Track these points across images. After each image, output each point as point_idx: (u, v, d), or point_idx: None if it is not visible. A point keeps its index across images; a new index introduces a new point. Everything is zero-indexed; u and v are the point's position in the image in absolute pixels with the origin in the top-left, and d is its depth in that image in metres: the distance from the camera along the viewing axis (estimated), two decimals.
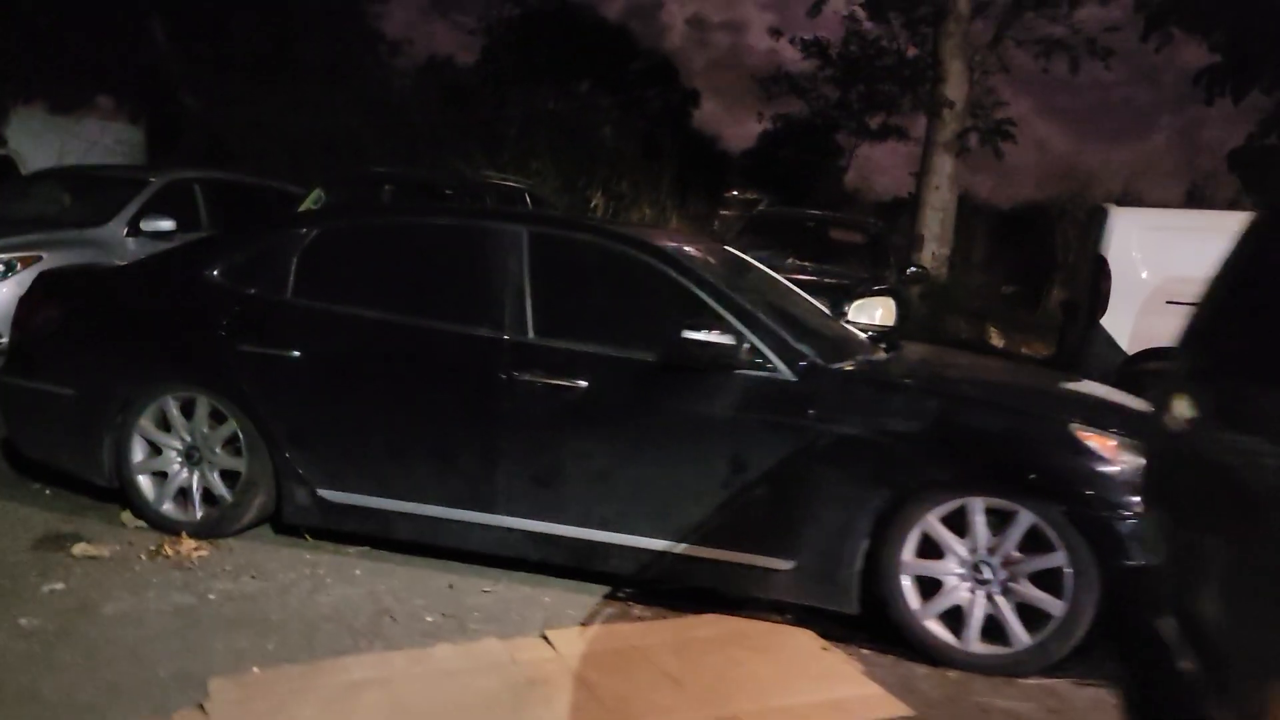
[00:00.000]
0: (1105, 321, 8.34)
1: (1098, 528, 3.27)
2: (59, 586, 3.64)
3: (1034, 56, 13.94)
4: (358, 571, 4.00)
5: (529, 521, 3.91)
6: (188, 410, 4.23)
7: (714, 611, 3.76)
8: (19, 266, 7.74)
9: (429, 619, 3.62)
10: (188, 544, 4.07)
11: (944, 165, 13.47)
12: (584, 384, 3.79)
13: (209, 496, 4.25)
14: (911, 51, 14.42)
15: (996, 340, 12.97)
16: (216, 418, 4.20)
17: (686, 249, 4.18)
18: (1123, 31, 13.90)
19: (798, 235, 9.23)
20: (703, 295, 3.83)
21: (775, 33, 17.05)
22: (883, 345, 4.38)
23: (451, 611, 3.68)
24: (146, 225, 8.80)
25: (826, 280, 7.85)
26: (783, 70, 17.80)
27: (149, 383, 4.25)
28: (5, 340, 7.51)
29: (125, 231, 8.77)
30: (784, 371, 3.65)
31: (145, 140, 17.65)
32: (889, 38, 14.64)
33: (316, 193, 9.43)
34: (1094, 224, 9.12)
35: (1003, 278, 15.95)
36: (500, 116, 15.28)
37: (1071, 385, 4.19)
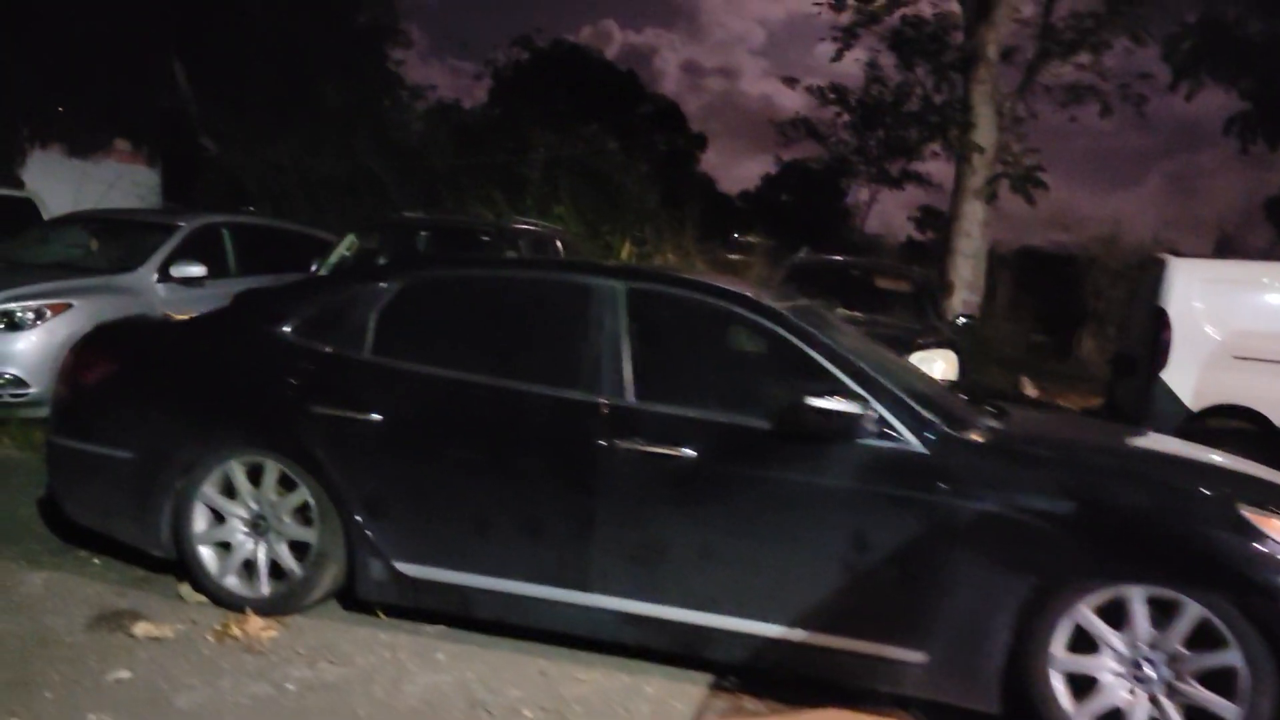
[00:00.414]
0: (1166, 376, 8.11)
1: (1277, 621, 2.98)
2: (124, 675, 3.33)
3: (1061, 105, 13.87)
4: (441, 655, 3.69)
5: (627, 602, 3.61)
6: (255, 476, 3.95)
7: (833, 706, 3.46)
8: (49, 314, 7.51)
9: (528, 714, 3.31)
10: (255, 623, 3.76)
11: (975, 212, 13.32)
12: (690, 453, 3.51)
13: (276, 570, 3.95)
14: (938, 98, 14.31)
15: (1030, 391, 12.72)
16: (286, 484, 3.92)
17: (790, 305, 3.93)
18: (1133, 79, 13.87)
19: (842, 284, 9.00)
20: (820, 358, 3.57)
21: (790, 80, 16.97)
22: (989, 409, 4.12)
23: (550, 704, 3.38)
24: (177, 271, 8.57)
25: (880, 331, 7.60)
26: (800, 115, 17.72)
27: (213, 446, 3.97)
28: (34, 391, 7.32)
29: (155, 277, 8.53)
30: (912, 442, 3.39)
31: (162, 182, 17.54)
32: (915, 84, 14.56)
33: (350, 239, 9.21)
34: (1149, 275, 8.92)
35: (1030, 326, 15.75)
36: (521, 160, 15.13)
37: (1210, 456, 3.91)
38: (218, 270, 8.94)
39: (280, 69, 14.52)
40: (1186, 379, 8.12)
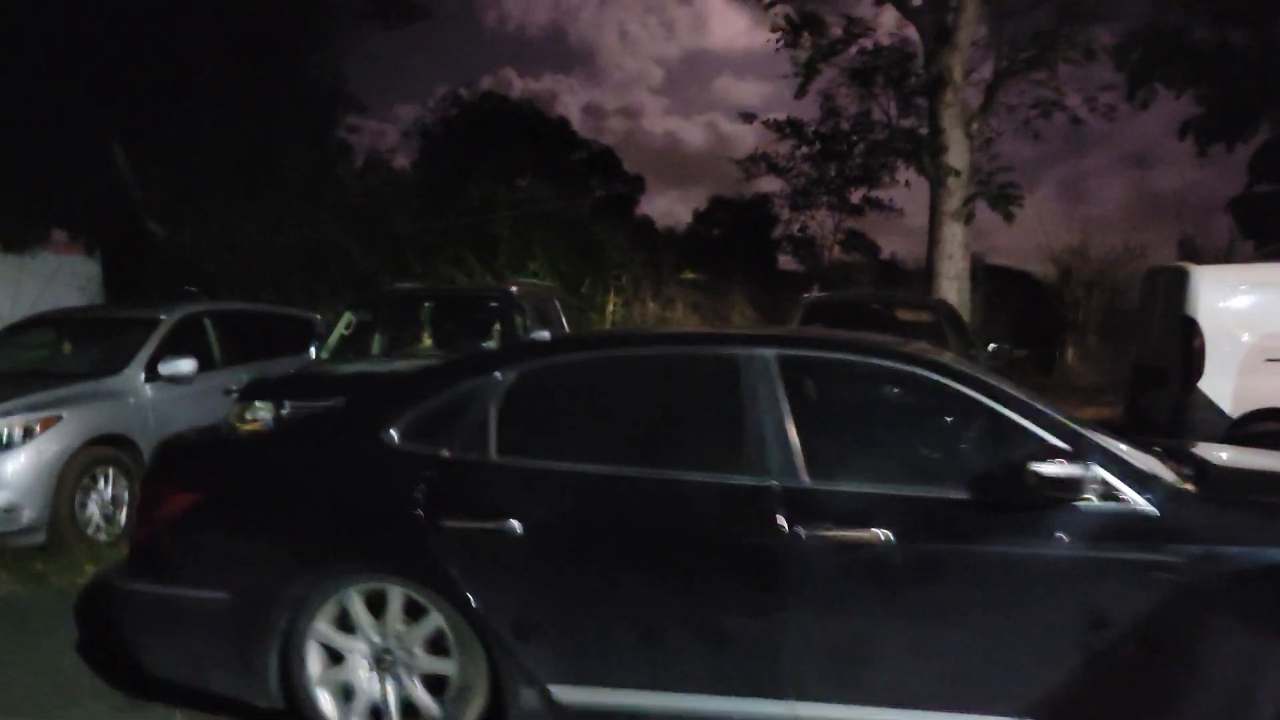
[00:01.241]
0: (1203, 385, 8.03)
1: None
2: None
3: (1024, 121, 14.03)
4: None
5: (826, 706, 3.23)
6: (376, 605, 3.48)
7: None
8: (38, 429, 6.86)
9: None
10: None
11: (954, 234, 13.32)
12: (883, 534, 3.16)
13: (410, 710, 3.47)
14: (904, 123, 14.38)
15: None
16: (413, 611, 3.46)
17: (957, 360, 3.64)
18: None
19: (863, 320, 8.79)
20: (1017, 417, 3.25)
21: (747, 116, 16.95)
22: (1158, 449, 3.85)
23: None
24: (165, 369, 7.99)
25: None
26: (760, 151, 17.72)
27: (324, 576, 3.49)
28: (28, 516, 6.64)
29: (143, 377, 7.92)
30: (1138, 502, 3.08)
31: (103, 272, 16.66)
32: (880, 111, 14.63)
33: (347, 317, 8.72)
34: (1169, 286, 8.88)
35: (1011, 342, 15.81)
36: (491, 217, 14.74)
37: None
38: (203, 363, 8.37)
39: (229, 142, 13.92)
40: (1223, 386, 8.05)
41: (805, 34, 14.10)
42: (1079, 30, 13.56)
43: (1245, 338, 7.94)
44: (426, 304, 8.79)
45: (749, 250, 30.85)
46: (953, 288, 13.30)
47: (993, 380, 3.38)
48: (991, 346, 8.96)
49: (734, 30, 45.28)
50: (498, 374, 3.67)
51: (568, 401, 3.66)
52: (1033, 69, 13.55)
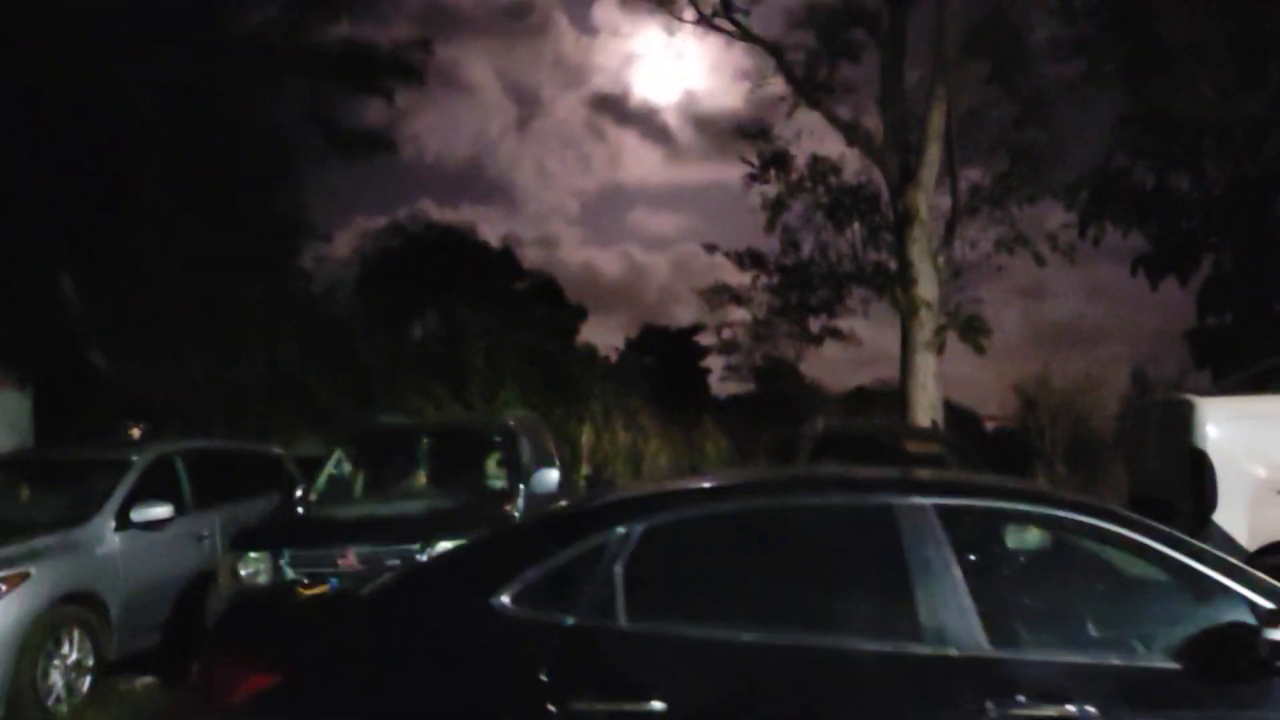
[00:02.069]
0: (1217, 519, 7.99)
1: None
2: None
3: (986, 255, 14.44)
4: None
5: None
6: None
7: None
8: (4, 588, 6.14)
9: None
10: None
11: (927, 364, 13.46)
12: (1088, 709, 2.82)
13: None
14: (873, 257, 14.70)
15: None
16: None
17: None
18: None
19: (871, 452, 8.64)
20: (1218, 575, 2.99)
21: (710, 247, 17.13)
22: None
23: None
24: (139, 515, 7.36)
25: None
26: (721, 282, 17.88)
27: None
28: None
29: (113, 526, 7.25)
30: None
31: (33, 408, 15.64)
32: (846, 243, 14.92)
33: (338, 454, 8.19)
34: (1168, 418, 8.95)
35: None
36: (462, 346, 14.39)
37: None
38: (174, 507, 7.73)
39: (184, 272, 13.41)
40: (1238, 519, 8.01)
41: (772, 171, 14.46)
42: (1030, 174, 14.18)
43: (1256, 470, 7.95)
44: (424, 439, 8.31)
45: (681, 377, 31.05)
46: (928, 418, 13.32)
47: (1178, 533, 3.14)
48: None
49: (648, 166, 47.10)
50: (620, 529, 3.28)
51: (704, 558, 3.29)
52: (994, 207, 14.05)
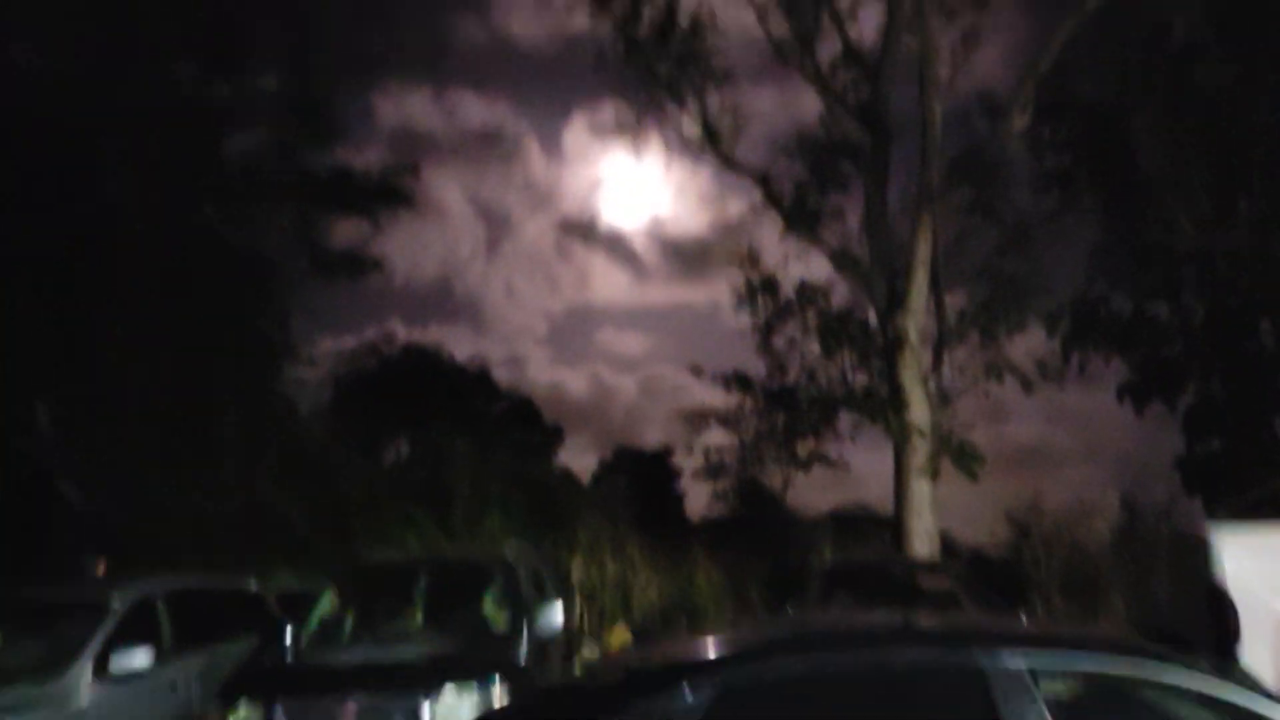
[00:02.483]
0: (1240, 653, 7.78)
1: None
2: None
3: (973, 380, 14.46)
4: None
5: None
6: None
7: None
8: None
9: None
10: None
11: (922, 491, 13.28)
12: None
13: None
14: (862, 380, 14.67)
15: None
16: None
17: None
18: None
19: (882, 585, 8.38)
20: None
21: (696, 370, 17.03)
22: None
23: None
24: (118, 664, 6.84)
25: None
26: (706, 406, 17.74)
27: None
28: None
29: (89, 676, 6.73)
30: None
31: None
32: (836, 367, 14.89)
33: (329, 594, 7.76)
34: (1182, 550, 8.82)
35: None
36: (442, 476, 14.02)
37: None
38: (154, 653, 7.23)
39: (165, 396, 13.04)
40: (1261, 654, 7.81)
41: (761, 296, 14.56)
42: (1013, 301, 14.38)
43: (1276, 604, 7.80)
44: (423, 578, 7.90)
45: (656, 500, 30.61)
46: (924, 544, 13.08)
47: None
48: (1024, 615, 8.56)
49: (616, 287, 47.72)
50: (688, 693, 2.99)
51: None
52: (982, 334, 14.18)
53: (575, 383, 46.70)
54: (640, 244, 45.70)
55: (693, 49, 15.47)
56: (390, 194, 15.99)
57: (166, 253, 13.90)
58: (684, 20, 15.29)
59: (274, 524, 13.05)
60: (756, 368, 16.20)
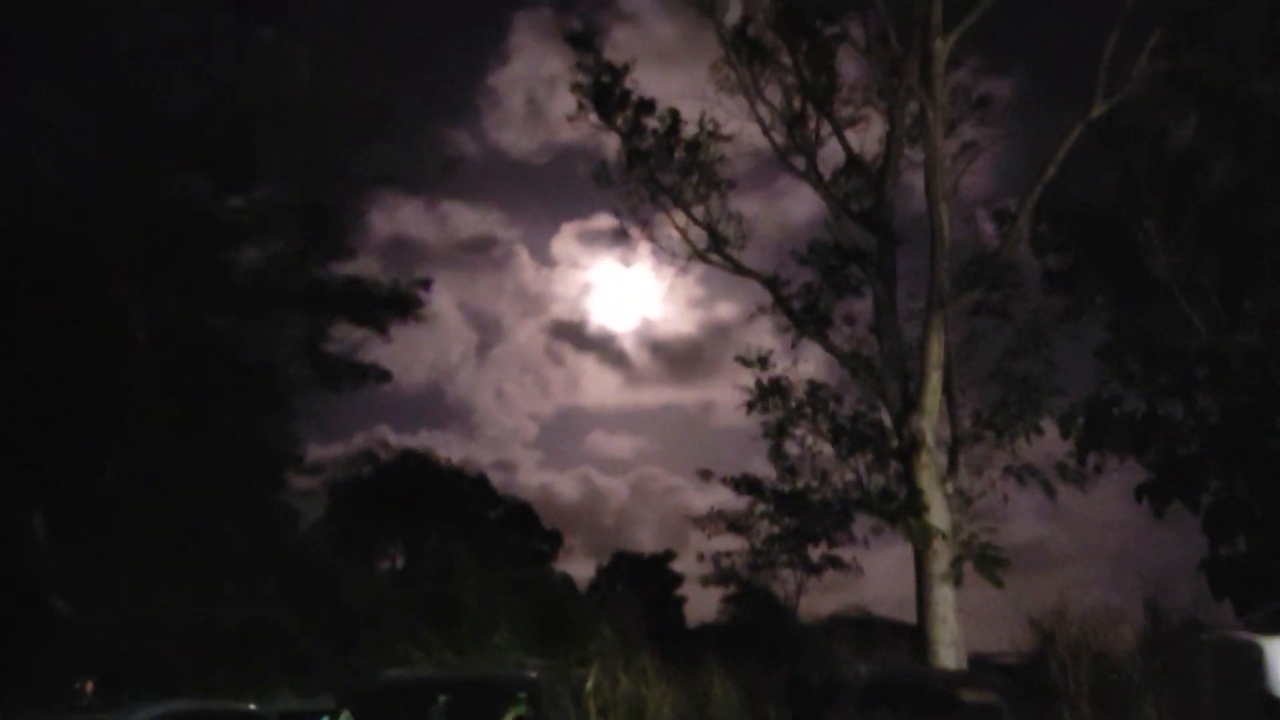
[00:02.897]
0: None
1: None
2: None
3: (991, 484, 14.23)
4: None
5: None
6: None
7: None
8: None
9: None
10: None
11: (945, 597, 12.89)
12: None
13: None
14: (878, 482, 14.41)
15: None
16: None
17: None
18: None
19: (925, 700, 7.98)
20: None
21: (705, 474, 16.79)
22: None
23: None
24: None
25: None
26: (716, 509, 17.45)
27: None
28: None
29: None
30: None
31: None
32: (851, 470, 14.65)
33: (345, 716, 7.34)
34: (1227, 658, 8.52)
35: None
36: (448, 587, 13.56)
37: None
38: None
39: (165, 506, 12.70)
40: None
41: (772, 399, 14.43)
42: (1027, 403, 14.28)
43: None
44: (442, 697, 7.51)
45: (657, 607, 29.82)
46: (950, 655, 12.61)
47: None
48: None
49: (605, 389, 47.80)
50: None
51: None
52: (998, 435, 14.03)
53: (565, 486, 46.24)
54: (630, 346, 45.96)
55: (697, 158, 15.73)
56: (401, 304, 16.05)
57: (171, 363, 13.78)
58: (687, 133, 15.60)
59: (274, 639, 12.54)
60: (752, 468, 16.01)
